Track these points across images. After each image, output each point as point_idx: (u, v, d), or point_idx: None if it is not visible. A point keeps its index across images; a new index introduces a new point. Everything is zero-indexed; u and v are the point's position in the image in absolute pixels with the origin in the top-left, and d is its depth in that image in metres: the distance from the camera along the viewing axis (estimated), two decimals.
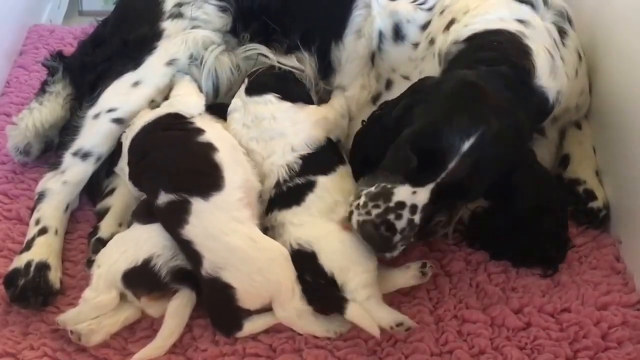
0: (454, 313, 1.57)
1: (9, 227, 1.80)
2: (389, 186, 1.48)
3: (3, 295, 1.62)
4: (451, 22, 1.75)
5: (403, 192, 1.46)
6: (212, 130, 1.70)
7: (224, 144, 1.66)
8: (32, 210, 1.78)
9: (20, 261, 1.65)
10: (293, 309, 1.49)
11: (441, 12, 1.82)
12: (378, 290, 1.51)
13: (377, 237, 1.47)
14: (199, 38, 1.91)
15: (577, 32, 1.83)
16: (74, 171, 1.79)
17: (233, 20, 1.97)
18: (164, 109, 1.77)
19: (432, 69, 1.76)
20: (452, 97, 1.49)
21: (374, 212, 1.47)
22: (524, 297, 1.59)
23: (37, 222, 1.74)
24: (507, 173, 1.51)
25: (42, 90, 2.06)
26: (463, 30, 1.69)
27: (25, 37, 2.53)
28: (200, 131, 1.68)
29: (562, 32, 1.76)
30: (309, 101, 1.84)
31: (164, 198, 1.57)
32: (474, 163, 1.41)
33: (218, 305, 1.52)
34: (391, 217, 1.46)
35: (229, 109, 1.81)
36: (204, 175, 1.59)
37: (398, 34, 1.88)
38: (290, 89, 1.82)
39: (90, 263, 1.63)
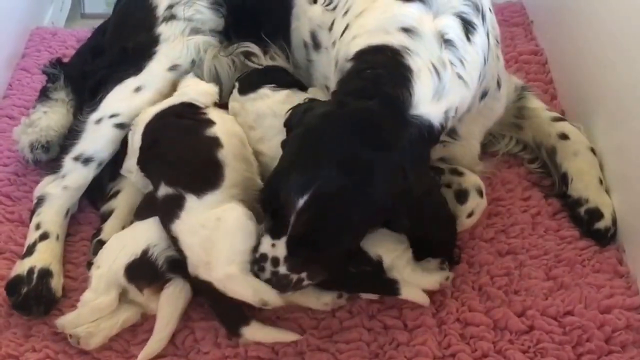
0: (456, 316, 1.57)
1: (11, 230, 1.80)
2: (261, 232, 1.46)
3: (5, 298, 1.62)
4: (346, 28, 1.62)
5: (265, 244, 1.44)
6: (222, 124, 1.68)
7: (231, 140, 1.65)
8: (32, 214, 1.77)
9: (22, 267, 1.65)
10: (223, 273, 1.47)
11: (344, 14, 1.67)
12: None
13: None
14: (200, 44, 1.93)
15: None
16: (74, 176, 1.79)
17: (225, 17, 1.98)
18: (178, 97, 1.77)
19: (334, 80, 1.64)
20: (296, 147, 1.43)
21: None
22: (527, 300, 1.58)
23: (38, 226, 1.73)
24: (384, 216, 1.45)
25: (46, 96, 2.05)
26: (351, 44, 1.54)
27: (27, 39, 2.53)
28: (210, 123, 1.66)
29: (468, 27, 1.55)
30: (302, 87, 1.84)
31: (163, 190, 1.58)
32: (315, 218, 1.35)
33: (216, 302, 1.51)
34: (255, 268, 1.46)
35: (229, 114, 1.80)
36: (204, 173, 1.58)
37: (315, 41, 1.83)
38: (281, 77, 1.82)
39: (90, 265, 1.63)
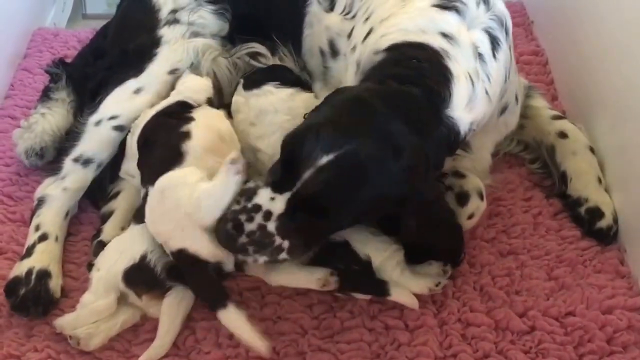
0: (457, 316, 1.57)
1: (13, 230, 1.80)
2: (260, 185, 1.41)
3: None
4: (370, 32, 1.63)
5: (263, 196, 1.39)
6: (202, 119, 1.67)
7: (206, 134, 1.62)
8: (32, 215, 1.78)
9: (21, 268, 1.65)
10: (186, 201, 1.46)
11: (365, 20, 1.70)
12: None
13: (222, 232, 1.41)
14: (199, 47, 1.93)
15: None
16: (74, 177, 1.79)
17: (230, 22, 1.99)
18: (173, 97, 1.78)
19: (351, 79, 1.66)
20: (333, 109, 1.38)
21: (232, 207, 1.42)
22: (528, 301, 1.58)
23: (37, 228, 1.74)
24: (393, 207, 1.41)
25: (47, 96, 2.06)
26: (381, 40, 1.55)
27: (29, 40, 2.53)
28: (189, 120, 1.65)
29: (494, 43, 1.58)
30: (306, 87, 1.85)
31: (142, 192, 1.59)
32: (332, 180, 1.31)
33: (194, 279, 1.50)
34: (242, 217, 1.39)
35: (232, 109, 1.81)
36: (163, 165, 1.56)
37: (333, 49, 1.84)
38: (285, 75, 1.83)
39: (91, 266, 1.63)
